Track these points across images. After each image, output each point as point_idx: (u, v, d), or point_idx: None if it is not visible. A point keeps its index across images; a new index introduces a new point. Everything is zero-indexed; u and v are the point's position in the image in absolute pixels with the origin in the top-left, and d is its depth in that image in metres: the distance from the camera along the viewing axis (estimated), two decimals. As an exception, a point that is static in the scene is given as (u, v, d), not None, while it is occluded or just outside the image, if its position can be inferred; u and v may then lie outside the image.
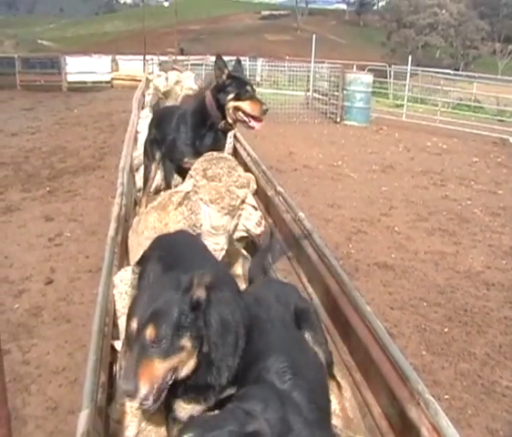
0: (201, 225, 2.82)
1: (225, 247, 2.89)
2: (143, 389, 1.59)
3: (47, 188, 9.39)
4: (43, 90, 23.15)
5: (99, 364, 1.97)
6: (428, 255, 7.32)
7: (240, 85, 3.63)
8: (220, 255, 2.86)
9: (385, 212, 8.81)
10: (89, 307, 5.31)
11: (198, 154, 3.49)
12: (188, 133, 3.79)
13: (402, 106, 19.14)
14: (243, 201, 3.04)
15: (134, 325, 1.65)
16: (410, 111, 18.61)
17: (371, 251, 7.29)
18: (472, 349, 5.29)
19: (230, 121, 3.67)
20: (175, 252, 2.27)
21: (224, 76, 3.61)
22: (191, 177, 3.04)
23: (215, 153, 3.35)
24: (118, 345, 2.26)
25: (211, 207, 2.82)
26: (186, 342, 1.65)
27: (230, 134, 5.05)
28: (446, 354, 5.13)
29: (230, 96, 3.59)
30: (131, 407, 1.91)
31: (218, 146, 3.74)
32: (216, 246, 2.83)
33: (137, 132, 5.68)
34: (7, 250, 6.81)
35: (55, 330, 5.18)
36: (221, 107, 3.63)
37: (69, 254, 6.84)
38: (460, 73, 26.48)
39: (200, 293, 1.69)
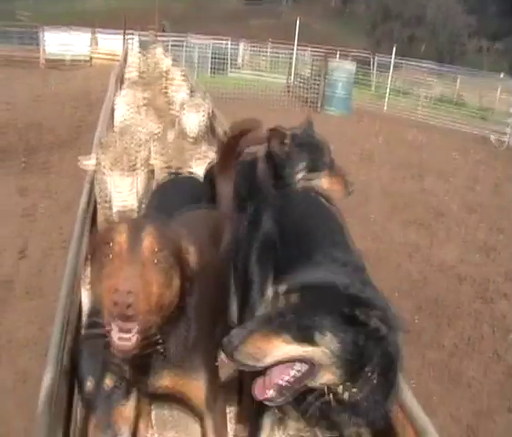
0: (110, 199, 2.81)
1: (133, 204, 2.85)
2: None
3: (23, 164, 9.22)
4: (20, 65, 22.14)
5: (66, 327, 2.00)
6: (403, 246, 7.39)
7: (313, 152, 2.72)
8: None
9: (362, 202, 8.82)
10: (62, 282, 5.29)
11: None
12: None
13: (384, 97, 19.16)
14: (148, 158, 3.02)
15: None
16: (392, 103, 18.63)
17: (346, 240, 7.31)
18: (441, 340, 5.40)
19: None
20: None
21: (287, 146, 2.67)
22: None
23: None
24: None
25: (114, 173, 2.80)
26: None
27: (204, 110, 4.57)
28: (415, 343, 5.20)
29: (300, 167, 2.67)
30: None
31: None
32: (124, 203, 2.83)
33: (113, 109, 5.53)
34: (-20, 223, 6.68)
35: (26, 303, 5.16)
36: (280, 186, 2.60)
37: (43, 229, 6.79)
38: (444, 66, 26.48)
39: None
